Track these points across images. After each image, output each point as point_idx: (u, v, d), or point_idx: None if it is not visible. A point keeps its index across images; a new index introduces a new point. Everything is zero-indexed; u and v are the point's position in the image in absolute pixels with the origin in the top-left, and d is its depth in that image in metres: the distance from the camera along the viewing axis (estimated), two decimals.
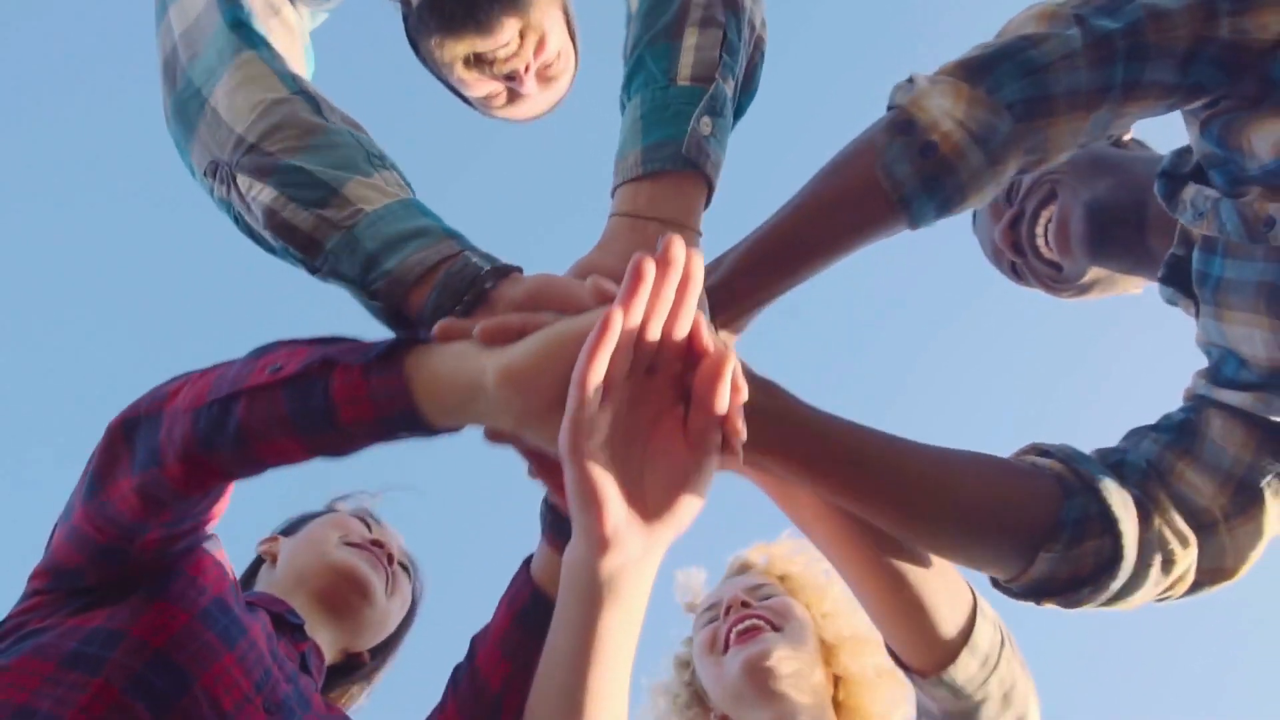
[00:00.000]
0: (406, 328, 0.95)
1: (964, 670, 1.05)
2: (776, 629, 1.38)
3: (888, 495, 0.97)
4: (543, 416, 0.79)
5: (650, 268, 0.75)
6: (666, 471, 0.81)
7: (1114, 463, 1.05)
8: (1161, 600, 1.03)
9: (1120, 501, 0.98)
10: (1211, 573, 1.02)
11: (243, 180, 0.95)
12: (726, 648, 1.38)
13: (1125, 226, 1.20)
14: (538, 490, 1.06)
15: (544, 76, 1.36)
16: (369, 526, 1.45)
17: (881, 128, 0.99)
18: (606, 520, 0.77)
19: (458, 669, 1.16)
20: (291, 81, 1.00)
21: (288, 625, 1.25)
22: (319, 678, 1.28)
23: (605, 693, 0.85)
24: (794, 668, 1.34)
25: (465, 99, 1.42)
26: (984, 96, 0.96)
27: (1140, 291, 1.38)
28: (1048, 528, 0.98)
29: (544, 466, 0.93)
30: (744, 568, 1.57)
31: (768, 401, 0.94)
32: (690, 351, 0.81)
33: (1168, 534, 0.99)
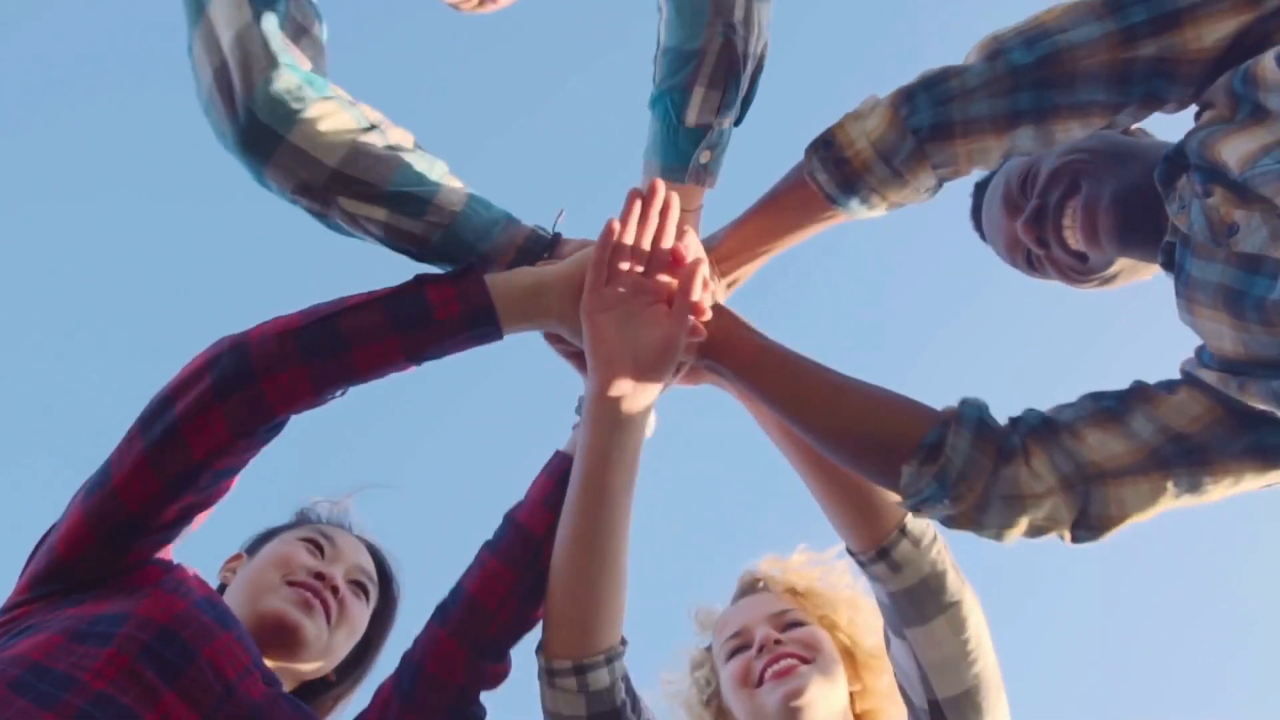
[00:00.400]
0: None
1: (897, 545, 1.28)
2: (808, 661, 1.43)
3: (791, 399, 1.25)
4: (577, 305, 1.22)
5: (638, 195, 1.25)
6: (653, 341, 1.21)
7: (1016, 417, 1.20)
8: (1041, 535, 1.16)
9: (962, 436, 1.15)
10: (1098, 519, 1.14)
11: (348, 203, 1.22)
12: (760, 682, 1.43)
13: (1150, 214, 1.18)
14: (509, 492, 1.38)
15: None
16: (321, 549, 1.42)
17: (808, 146, 1.26)
18: (610, 357, 1.20)
19: (489, 541, 1.34)
20: (360, 116, 1.24)
21: None
22: None
23: (613, 501, 1.20)
24: (827, 697, 1.41)
25: None
26: (899, 121, 1.18)
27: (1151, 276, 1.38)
28: (909, 446, 1.16)
29: (574, 354, 1.31)
30: (755, 583, 1.60)
31: (723, 320, 1.29)
32: (675, 262, 1.25)
33: (1023, 475, 1.13)
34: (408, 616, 1.51)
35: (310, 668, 1.37)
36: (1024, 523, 1.14)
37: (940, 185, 1.24)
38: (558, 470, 1.34)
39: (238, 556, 1.47)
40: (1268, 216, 1.00)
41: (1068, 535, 1.16)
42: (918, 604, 1.29)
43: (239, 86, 1.17)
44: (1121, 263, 1.29)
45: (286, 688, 1.33)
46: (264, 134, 1.18)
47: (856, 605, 1.50)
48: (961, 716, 1.31)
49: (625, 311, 1.22)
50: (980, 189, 1.46)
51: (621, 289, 1.22)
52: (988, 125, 1.15)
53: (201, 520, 1.23)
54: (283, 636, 1.30)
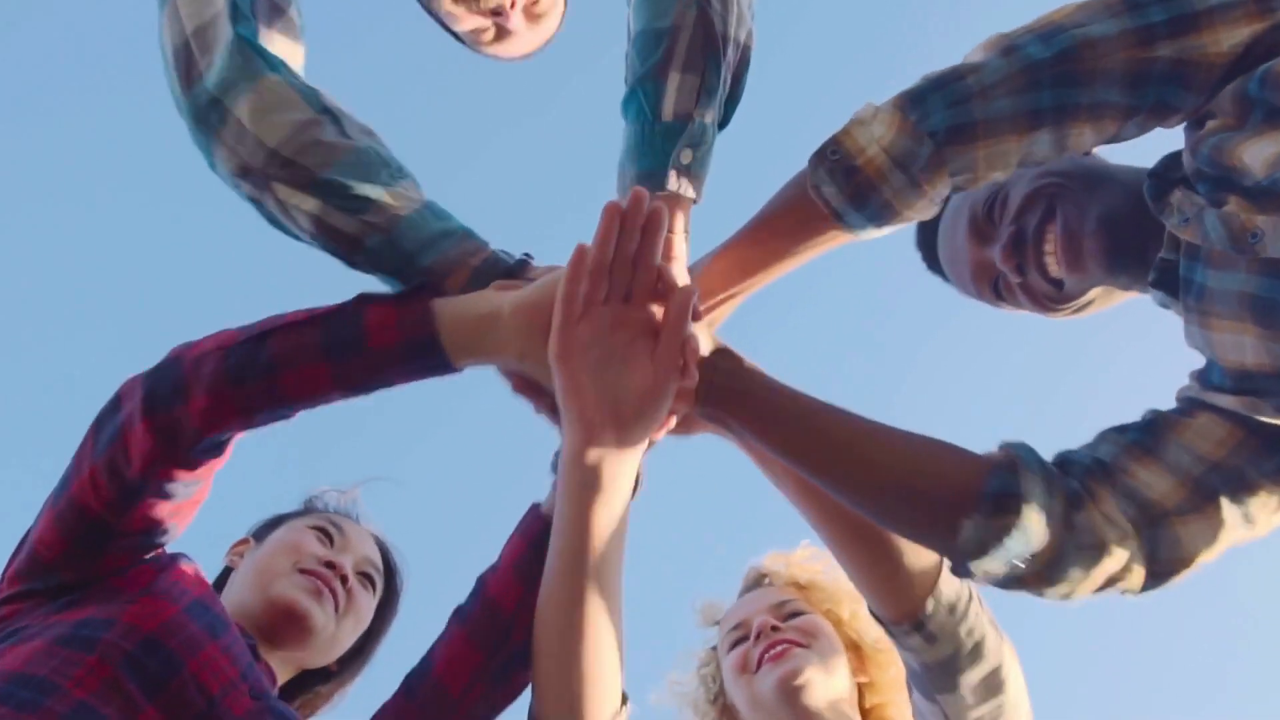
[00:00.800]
0: None
1: (933, 617, 1.17)
2: (804, 646, 1.42)
3: (818, 454, 1.10)
4: (542, 342, 1.03)
5: (616, 209, 1.03)
6: (638, 385, 1.03)
7: (1061, 460, 1.10)
8: (1115, 589, 1.06)
9: (1035, 481, 1.04)
10: (1169, 563, 1.05)
11: (281, 189, 1.11)
12: (758, 668, 1.42)
13: (1134, 237, 1.16)
14: (518, 483, 1.27)
15: (531, 14, 1.40)
16: (331, 538, 1.42)
17: (812, 155, 1.12)
18: (585, 411, 1.02)
19: (461, 608, 1.25)
20: (315, 99, 1.14)
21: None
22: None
23: (598, 573, 1.05)
24: (824, 681, 1.39)
25: (455, 34, 1.43)
26: (911, 125, 1.06)
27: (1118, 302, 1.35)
28: (969, 498, 1.04)
29: (543, 399, 1.14)
30: (760, 578, 1.59)
31: (724, 362, 1.14)
32: (660, 289, 1.06)
33: (1099, 521, 1.03)
34: (409, 612, 1.51)
35: (315, 657, 1.37)
36: (1100, 576, 1.04)
37: (949, 198, 1.15)
38: (531, 532, 1.23)
39: (245, 541, 1.47)
40: None
41: (1139, 585, 1.06)
42: (951, 673, 1.21)
43: (200, 61, 1.12)
44: (1095, 290, 1.26)
45: (286, 675, 1.34)
46: (212, 109, 1.11)
47: (860, 599, 1.45)
48: None
49: (603, 352, 1.03)
50: (924, 223, 1.38)
51: (597, 325, 1.03)
52: (1008, 126, 1.05)
53: (183, 524, 1.18)
54: (292, 623, 1.29)
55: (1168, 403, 1.13)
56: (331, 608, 1.34)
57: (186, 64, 1.13)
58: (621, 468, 1.05)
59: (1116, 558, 1.03)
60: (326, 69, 1.28)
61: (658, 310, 1.06)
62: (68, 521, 1.09)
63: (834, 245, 1.16)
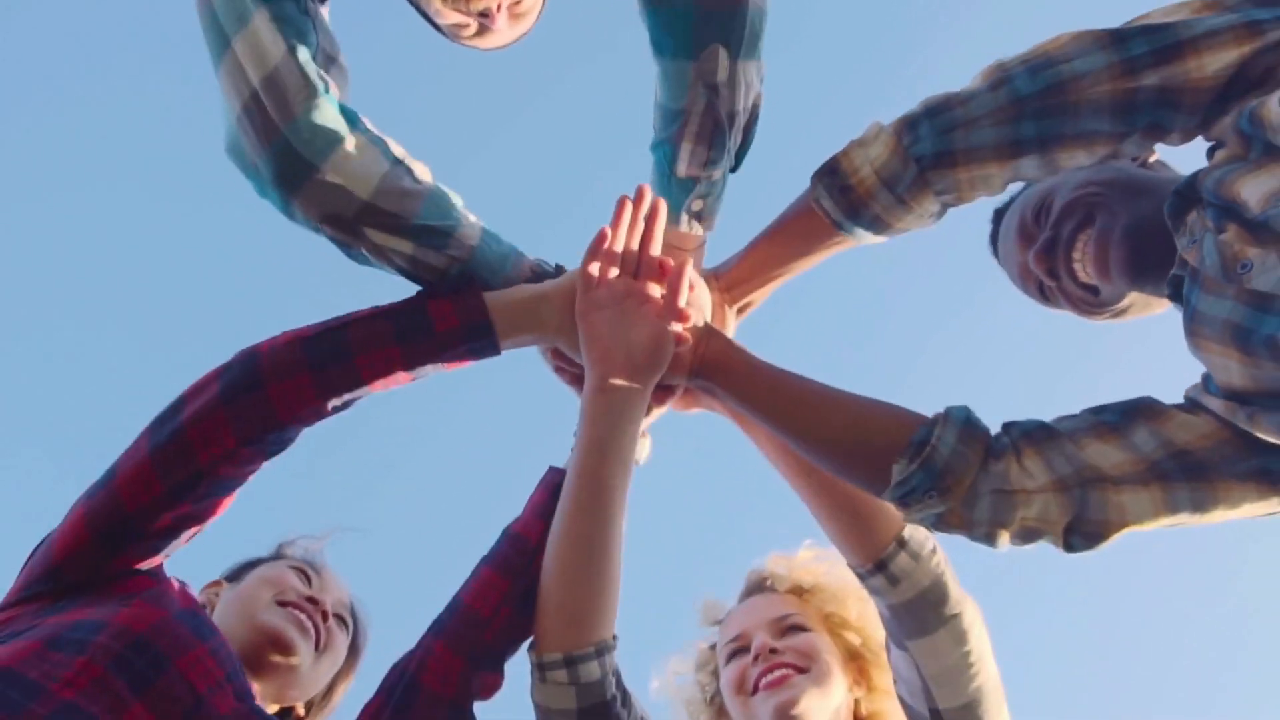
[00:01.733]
0: None
1: (894, 559, 1.30)
2: (803, 670, 1.43)
3: (782, 412, 1.27)
4: (574, 319, 1.29)
5: (626, 201, 1.32)
6: (644, 339, 1.28)
7: (1007, 423, 1.20)
8: (1035, 539, 1.15)
9: (951, 429, 1.16)
10: (1094, 524, 1.13)
11: (377, 235, 1.23)
12: (755, 690, 1.44)
13: (1163, 248, 1.17)
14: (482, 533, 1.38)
15: (514, 13, 1.46)
16: (309, 579, 1.43)
17: (814, 173, 1.30)
18: (603, 354, 1.27)
19: (487, 554, 1.35)
20: (387, 151, 1.26)
21: None
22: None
23: (607, 495, 1.23)
24: (822, 707, 1.41)
25: (435, 25, 1.47)
26: (902, 149, 1.21)
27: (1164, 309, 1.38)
28: (900, 446, 1.17)
29: (572, 370, 1.38)
30: (762, 581, 1.60)
31: (715, 341, 1.34)
32: (662, 269, 1.32)
33: (1014, 470, 1.14)
34: (370, 664, 1.52)
35: (292, 692, 1.36)
36: (1015, 521, 1.13)
37: (944, 210, 1.26)
38: (552, 483, 1.35)
39: (217, 583, 1.46)
40: None
41: (1061, 539, 1.14)
42: (918, 616, 1.30)
43: (276, 116, 1.17)
44: (1133, 296, 1.29)
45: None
46: (298, 165, 1.18)
47: (865, 598, 1.47)
48: None
49: (617, 312, 1.28)
50: (999, 216, 1.47)
51: (611, 292, 1.29)
52: (990, 154, 1.17)
53: (191, 536, 1.23)
54: (277, 651, 1.31)
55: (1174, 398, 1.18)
56: (312, 643, 1.36)
57: (261, 119, 1.18)
58: (633, 402, 1.28)
59: (1030, 506, 1.13)
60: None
61: (658, 287, 1.32)
62: (98, 517, 1.16)
63: (842, 247, 1.34)
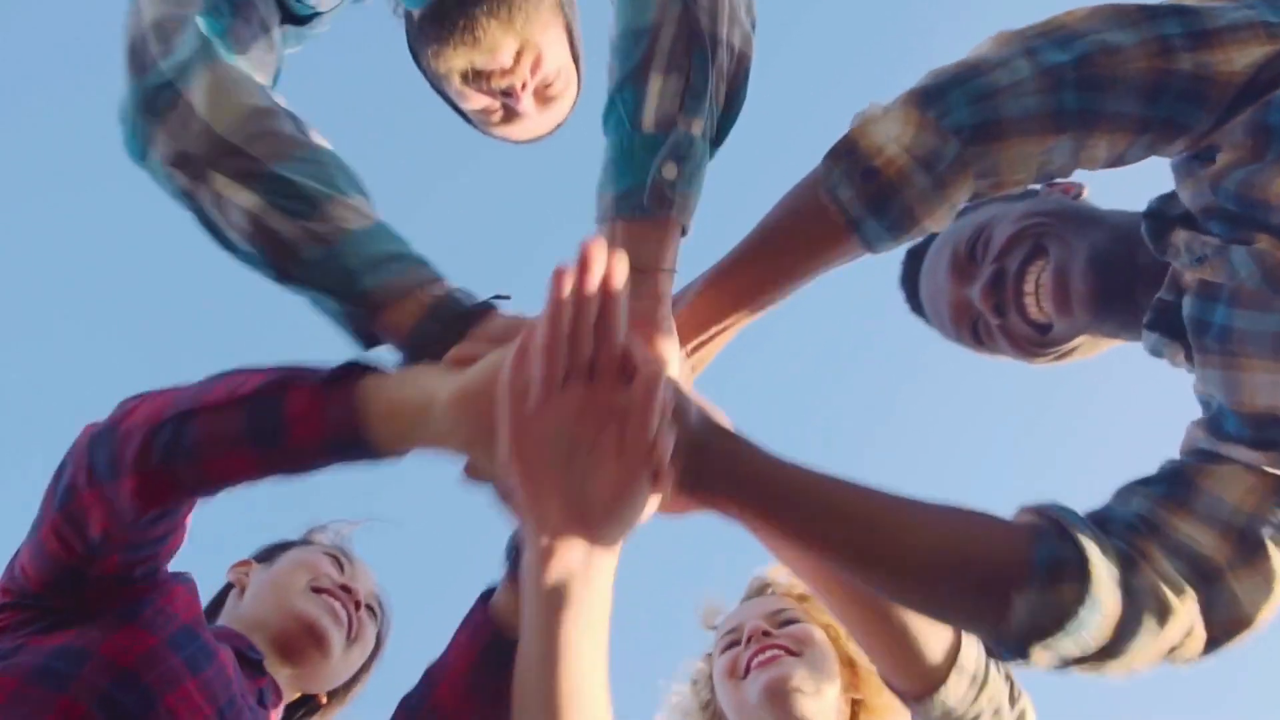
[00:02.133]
0: (370, 342, 1.04)
1: (954, 691, 1.10)
2: (796, 654, 1.39)
3: (838, 539, 0.96)
4: (490, 433, 0.85)
5: (565, 275, 0.81)
6: (609, 482, 0.85)
7: (1099, 519, 1.01)
8: (1175, 658, 0.98)
9: (1093, 544, 0.94)
10: (1228, 624, 0.96)
11: (219, 180, 0.99)
12: (747, 673, 1.39)
13: (1124, 280, 1.13)
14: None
15: (542, 96, 1.38)
16: (341, 567, 1.43)
17: (824, 156, 1.02)
18: (549, 519, 0.84)
19: (409, 701, 1.21)
20: (270, 96, 1.05)
21: (247, 661, 1.24)
22: (274, 715, 1.27)
23: (578, 695, 0.86)
24: (814, 691, 1.36)
25: (463, 114, 1.43)
26: (933, 122, 0.98)
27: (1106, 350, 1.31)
28: (1018, 569, 0.93)
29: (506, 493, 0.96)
30: (764, 587, 1.58)
31: (716, 440, 0.97)
32: (627, 367, 0.86)
33: (1159, 582, 0.94)
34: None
35: (319, 680, 1.36)
36: (1165, 644, 0.95)
37: (953, 211, 1.05)
38: (481, 638, 1.16)
39: (247, 563, 1.46)
40: None
41: (1199, 650, 0.97)
42: None
43: (156, 50, 1.03)
44: (1080, 336, 1.22)
45: (289, 696, 1.34)
46: (162, 90, 1.00)
47: None
48: None
49: (565, 446, 0.84)
50: (914, 255, 1.38)
51: (556, 414, 0.84)
52: (1034, 125, 0.98)
53: (167, 558, 1.12)
54: (310, 640, 1.30)
55: (1152, 443, 1.10)
56: (345, 632, 1.35)
57: (141, 54, 1.03)
58: (595, 581, 0.87)
59: (1181, 622, 0.94)
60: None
61: (624, 394, 0.86)
62: (42, 561, 1.05)
63: (838, 264, 1.06)
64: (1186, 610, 0.94)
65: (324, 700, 1.43)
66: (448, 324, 0.99)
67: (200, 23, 1.05)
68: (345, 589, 1.38)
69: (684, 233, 1.06)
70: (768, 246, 1.06)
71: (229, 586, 1.44)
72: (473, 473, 0.95)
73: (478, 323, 1.00)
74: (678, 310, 1.07)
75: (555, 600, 0.85)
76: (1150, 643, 0.94)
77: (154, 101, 1.01)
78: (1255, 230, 0.97)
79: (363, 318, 1.02)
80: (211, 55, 1.03)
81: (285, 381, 0.92)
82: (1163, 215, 1.09)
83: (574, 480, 0.85)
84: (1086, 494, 1.05)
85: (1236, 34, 0.98)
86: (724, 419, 1.00)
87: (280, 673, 1.30)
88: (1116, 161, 1.05)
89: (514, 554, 1.16)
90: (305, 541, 1.50)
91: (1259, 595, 0.96)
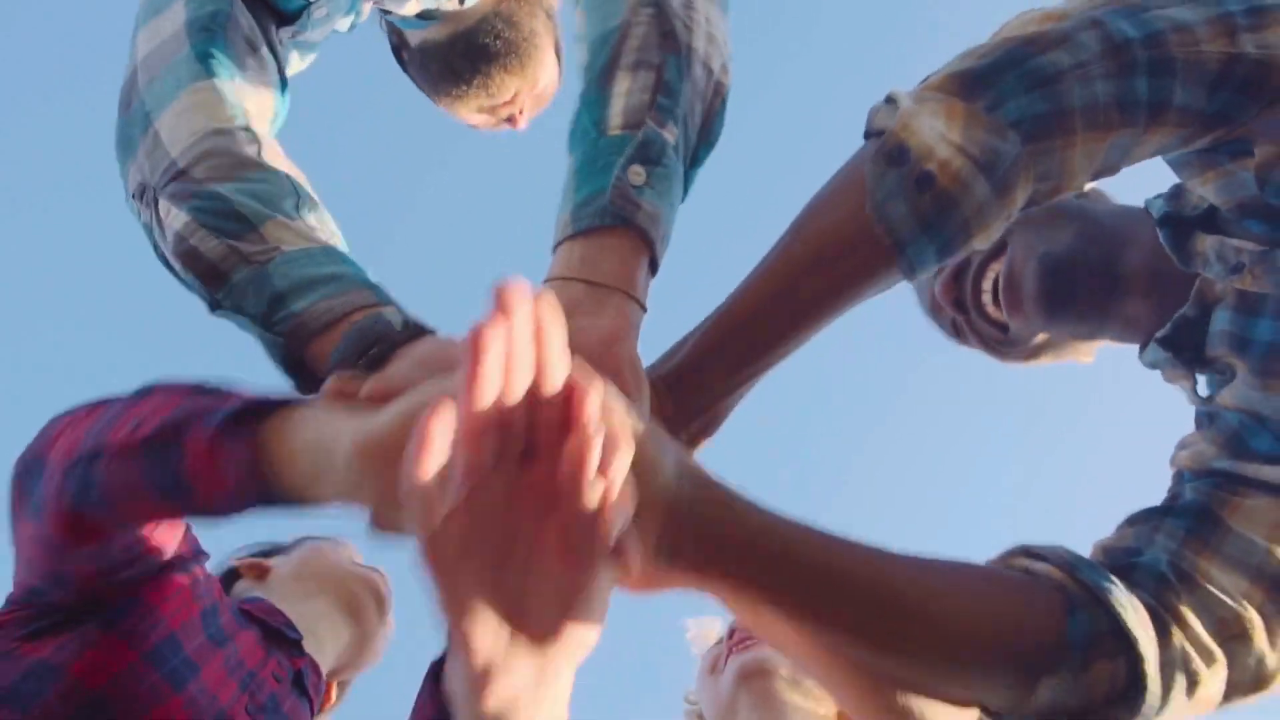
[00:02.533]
0: (304, 376, 0.89)
1: None
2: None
3: (860, 624, 0.76)
4: (386, 487, 0.62)
5: (490, 331, 0.55)
6: (555, 582, 0.63)
7: (1123, 565, 0.89)
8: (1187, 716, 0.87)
9: (1135, 617, 0.82)
10: (1250, 685, 0.86)
11: (163, 204, 0.91)
12: (725, 664, 1.31)
13: (1087, 284, 1.05)
14: None
15: (536, 103, 1.51)
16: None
17: (869, 159, 0.82)
18: (481, 640, 0.61)
19: None
20: (243, 115, 0.96)
21: (285, 640, 1.18)
22: (316, 695, 1.21)
23: None
24: (795, 684, 1.25)
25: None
26: (982, 114, 0.80)
27: (1092, 360, 1.25)
28: (1051, 649, 0.79)
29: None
30: None
31: (702, 504, 0.73)
32: (570, 430, 0.60)
33: (1190, 651, 0.83)
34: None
35: (366, 656, 1.37)
36: (1190, 713, 0.86)
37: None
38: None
39: (258, 563, 1.38)
40: None
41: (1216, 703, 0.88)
42: None
43: (140, 81, 0.98)
44: (1044, 336, 1.15)
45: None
46: (135, 125, 0.95)
47: None
48: None
49: (497, 545, 0.63)
50: None
51: (482, 507, 0.61)
52: (1104, 118, 0.81)
53: (169, 548, 1.02)
54: (376, 603, 1.33)
55: (1139, 457, 1.01)
56: (382, 613, 1.37)
57: (128, 91, 0.98)
58: (540, 707, 0.66)
59: (1209, 690, 0.84)
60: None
61: (570, 471, 0.61)
62: (27, 566, 0.97)
63: (861, 299, 0.86)
64: (1216, 679, 0.84)
65: (334, 695, 1.40)
66: (366, 347, 0.81)
67: (189, 47, 0.98)
68: (375, 570, 1.40)
69: (653, 268, 0.88)
70: (792, 275, 0.84)
71: (233, 576, 1.37)
72: (382, 525, 0.68)
73: (403, 346, 0.79)
74: (676, 361, 0.87)
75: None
76: (1176, 712, 0.83)
77: (129, 135, 0.96)
78: None
79: (291, 348, 0.86)
80: (194, 77, 0.96)
81: (183, 425, 0.76)
82: (1179, 219, 0.98)
83: (510, 585, 0.62)
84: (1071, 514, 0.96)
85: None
86: (701, 469, 0.76)
87: (331, 642, 1.28)
88: (1155, 154, 0.91)
89: (438, 667, 0.92)
90: (306, 539, 1.47)
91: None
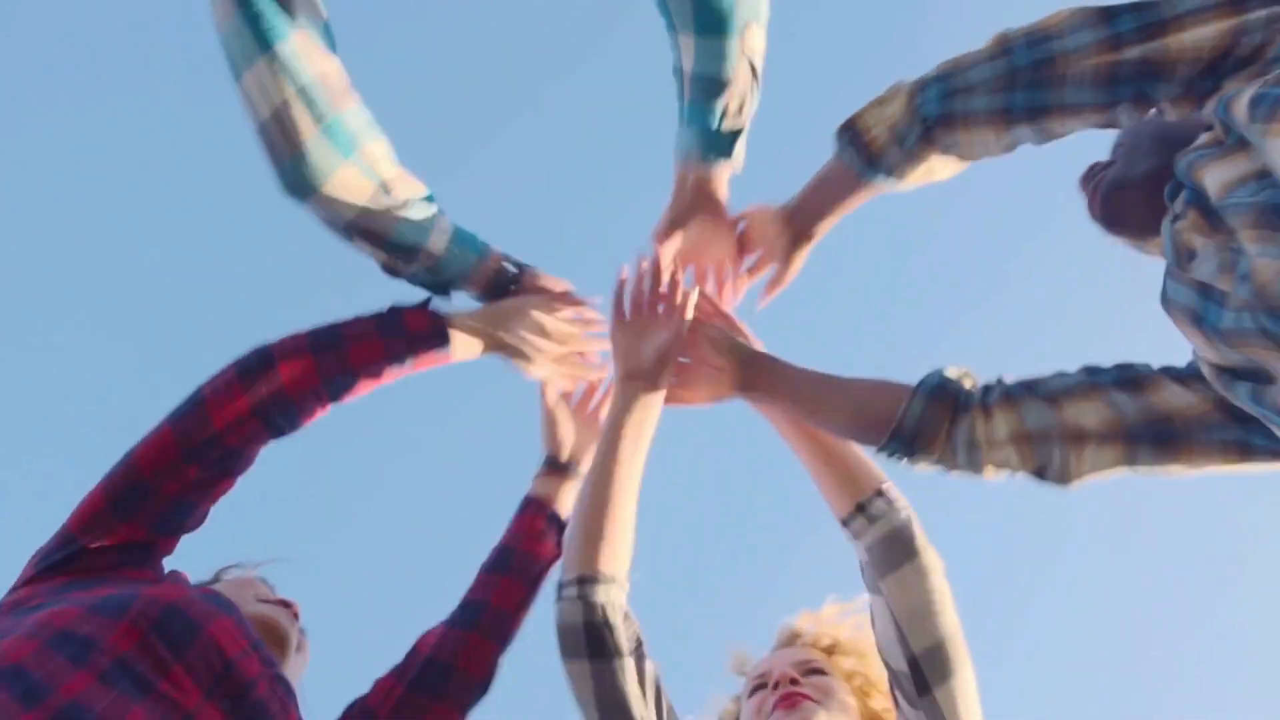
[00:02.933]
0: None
1: (873, 502, 1.48)
2: (818, 703, 1.48)
3: (806, 406, 1.51)
4: (514, 324, 1.59)
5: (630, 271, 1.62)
6: (656, 345, 1.57)
7: (988, 384, 1.38)
8: (1006, 473, 1.35)
9: (919, 401, 1.38)
10: (1059, 471, 1.31)
11: (360, 242, 1.50)
12: (771, 715, 1.48)
13: (1139, 210, 1.29)
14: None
15: None
16: (270, 589, 1.48)
17: (836, 129, 1.45)
18: (622, 358, 1.57)
19: (495, 564, 1.63)
20: (375, 177, 1.45)
21: None
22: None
23: (627, 465, 1.46)
24: None
25: None
26: (914, 110, 1.35)
27: None
28: (890, 421, 1.39)
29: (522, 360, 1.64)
30: (793, 637, 1.67)
31: (761, 359, 1.57)
32: (675, 295, 1.60)
33: (979, 426, 1.34)
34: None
35: None
36: (987, 464, 1.35)
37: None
38: (538, 506, 1.70)
39: None
40: (1221, 248, 1.07)
41: (1033, 478, 1.34)
42: (889, 552, 1.45)
43: (284, 145, 1.39)
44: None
45: None
46: (302, 185, 1.42)
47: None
48: (936, 672, 1.39)
49: (636, 324, 1.59)
50: None
51: (634, 309, 1.61)
52: (984, 119, 1.29)
53: (193, 523, 1.37)
54: (274, 643, 1.37)
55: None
56: (295, 638, 1.43)
57: (272, 146, 1.40)
58: (649, 389, 1.54)
59: (994, 453, 1.33)
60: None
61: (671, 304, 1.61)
62: (115, 482, 1.31)
63: (876, 192, 1.47)
64: (999, 448, 1.33)
65: None
66: (502, 287, 1.64)
67: (316, 131, 1.39)
68: (284, 603, 1.46)
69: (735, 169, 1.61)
70: (825, 180, 1.51)
71: None
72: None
73: (519, 281, 1.65)
74: (792, 207, 1.57)
75: (626, 397, 1.52)
76: (968, 458, 1.35)
77: (299, 188, 1.42)
78: (1192, 207, 1.13)
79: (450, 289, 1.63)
80: (331, 165, 1.40)
81: (396, 307, 1.52)
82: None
83: (637, 345, 1.57)
84: None
85: (1194, 16, 1.14)
86: (758, 342, 1.61)
87: None
88: (1107, 124, 1.27)
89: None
90: (216, 580, 1.52)
91: (1097, 462, 1.29)
